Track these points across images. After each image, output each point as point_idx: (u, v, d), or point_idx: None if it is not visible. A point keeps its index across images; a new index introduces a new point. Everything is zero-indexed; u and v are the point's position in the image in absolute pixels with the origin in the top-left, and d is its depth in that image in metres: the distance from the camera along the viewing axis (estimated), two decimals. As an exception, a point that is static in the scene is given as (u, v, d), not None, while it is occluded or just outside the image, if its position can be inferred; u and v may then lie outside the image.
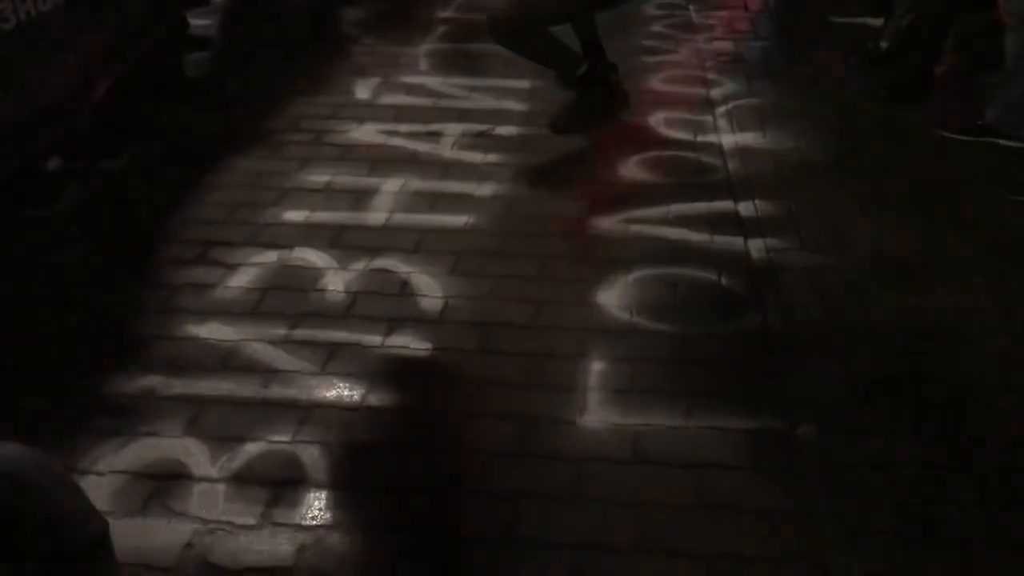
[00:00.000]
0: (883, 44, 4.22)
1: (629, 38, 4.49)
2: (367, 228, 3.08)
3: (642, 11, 4.86)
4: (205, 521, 2.02)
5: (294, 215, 3.14)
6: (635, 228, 3.06)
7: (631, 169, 3.42)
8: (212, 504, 2.06)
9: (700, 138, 3.62)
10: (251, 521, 2.02)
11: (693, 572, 1.90)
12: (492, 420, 2.27)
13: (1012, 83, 3.35)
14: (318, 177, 3.38)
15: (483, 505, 2.05)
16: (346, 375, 2.42)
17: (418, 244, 2.98)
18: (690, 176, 3.36)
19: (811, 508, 2.04)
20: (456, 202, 3.22)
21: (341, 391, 2.37)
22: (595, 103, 3.81)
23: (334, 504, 2.06)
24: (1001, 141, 3.42)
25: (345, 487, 2.10)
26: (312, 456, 2.18)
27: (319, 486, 2.10)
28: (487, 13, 3.75)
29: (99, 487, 2.08)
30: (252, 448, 2.19)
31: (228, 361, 2.47)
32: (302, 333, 2.57)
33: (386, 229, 3.07)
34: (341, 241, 3.00)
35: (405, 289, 2.77)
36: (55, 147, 3.27)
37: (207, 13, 4.70)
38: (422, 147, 3.59)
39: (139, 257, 2.92)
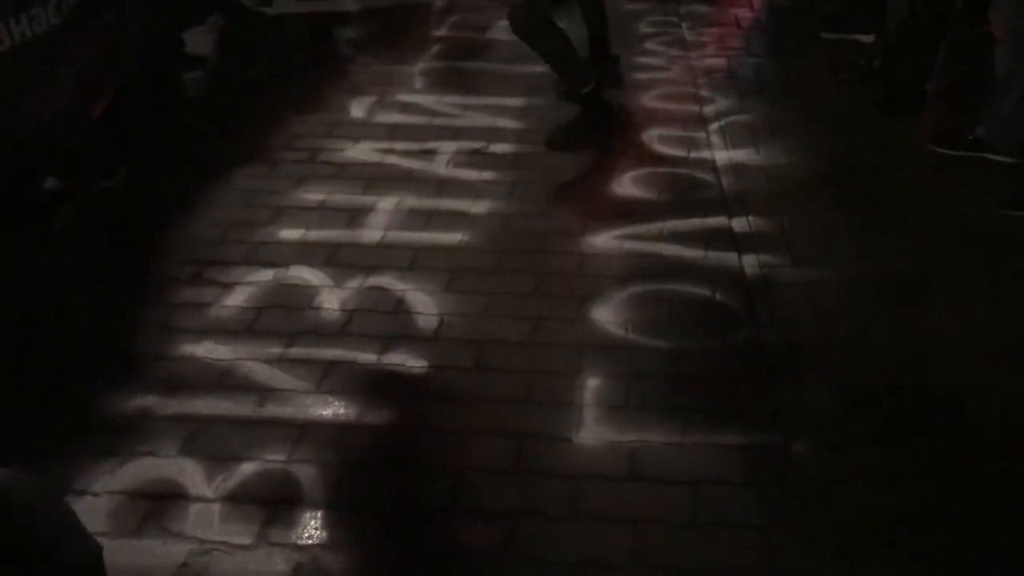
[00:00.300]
0: (874, 60, 4.25)
1: (623, 56, 4.51)
2: (362, 246, 3.08)
3: (635, 28, 4.89)
4: (201, 541, 2.01)
5: (290, 233, 3.15)
6: (630, 244, 3.07)
7: (625, 186, 3.44)
8: (208, 524, 2.05)
9: (694, 154, 3.64)
10: (247, 541, 2.01)
11: (690, 589, 1.90)
12: (488, 437, 2.28)
13: (1002, 98, 3.38)
14: (314, 195, 3.39)
15: (479, 523, 2.05)
16: (342, 393, 2.42)
17: (413, 262, 2.99)
18: (684, 192, 3.38)
19: (807, 523, 2.04)
20: (451, 219, 3.23)
21: (337, 409, 2.37)
22: (592, 124, 3.83)
23: (330, 523, 2.06)
24: (992, 156, 3.45)
25: (341, 506, 2.10)
26: (308, 475, 2.18)
27: (315, 505, 2.10)
28: (508, 9, 3.77)
29: (95, 508, 2.08)
30: (248, 467, 2.19)
31: (224, 380, 2.47)
32: (298, 351, 2.58)
33: (381, 247, 3.08)
34: (336, 259, 3.00)
35: (400, 307, 2.78)
36: (51, 166, 3.28)
37: (203, 33, 4.73)
38: (417, 165, 3.60)
39: (135, 276, 2.93)
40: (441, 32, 4.98)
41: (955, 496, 2.10)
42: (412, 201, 3.35)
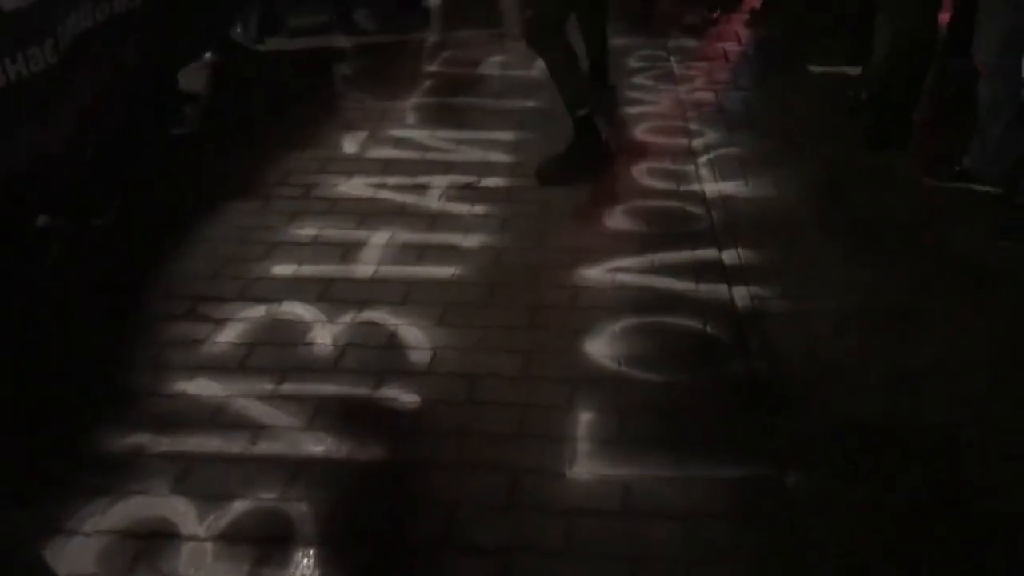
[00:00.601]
0: (862, 92, 4.30)
1: (615, 93, 4.56)
2: (355, 281, 3.09)
3: (625, 63, 4.94)
4: (193, 581, 2.00)
5: (282, 269, 3.16)
6: (621, 277, 3.09)
7: (616, 219, 3.46)
8: (200, 563, 2.04)
9: (683, 187, 3.67)
10: (239, 580, 2.00)
11: (685, 624, 1.89)
12: (481, 472, 2.27)
13: (987, 130, 3.42)
14: (307, 231, 3.40)
15: (473, 559, 2.04)
16: (334, 429, 2.41)
17: (406, 296, 3.00)
18: (674, 225, 3.40)
19: (802, 555, 2.04)
20: (443, 253, 3.24)
21: (329, 446, 2.36)
22: (582, 156, 3.87)
23: (323, 561, 2.05)
24: (979, 186, 3.48)
25: (333, 543, 2.09)
26: (300, 512, 2.16)
27: (307, 543, 2.09)
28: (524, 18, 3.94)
29: (85, 548, 2.06)
30: (240, 506, 2.18)
31: (216, 417, 2.47)
32: (290, 388, 2.57)
33: (374, 281, 3.09)
34: (329, 294, 3.01)
35: (393, 341, 2.78)
36: (44, 203, 3.29)
37: (197, 70, 4.76)
38: (409, 199, 3.63)
39: (127, 313, 2.93)
40: (433, 68, 5.04)
41: (948, 527, 2.10)
42: (405, 235, 3.36)
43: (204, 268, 3.16)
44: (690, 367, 2.64)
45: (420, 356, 2.71)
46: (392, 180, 3.78)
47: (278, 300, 2.97)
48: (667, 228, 3.38)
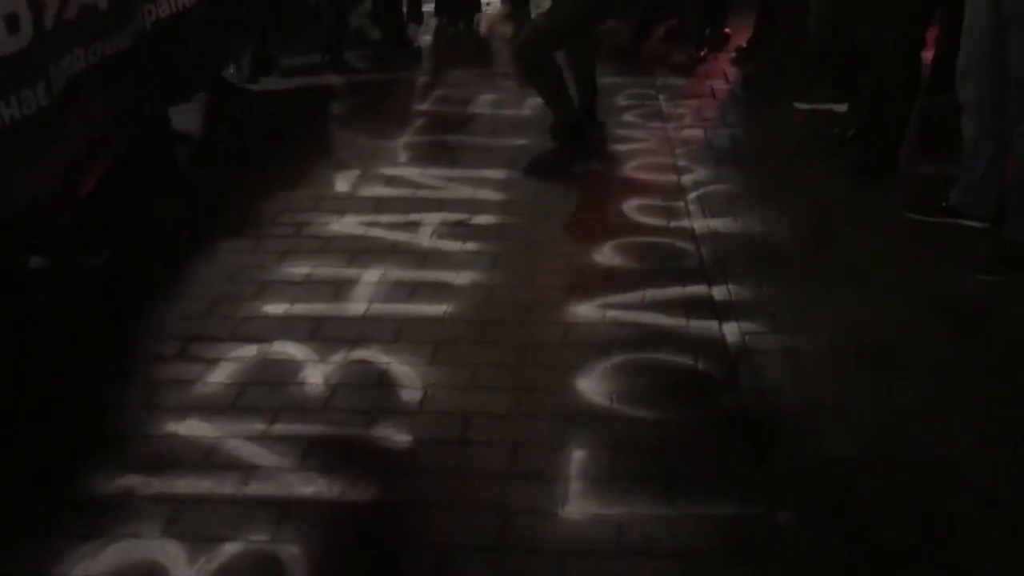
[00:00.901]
0: (848, 129, 4.36)
1: (605, 129, 4.61)
2: (346, 319, 3.10)
3: (614, 101, 5.00)
4: (183, 625, 1.98)
5: (274, 308, 3.16)
6: (612, 314, 3.10)
7: (606, 255, 3.48)
8: (190, 607, 2.02)
9: (673, 224, 3.70)
10: (230, 624, 1.98)
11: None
12: (473, 513, 2.26)
13: (971, 165, 3.46)
14: (298, 269, 3.41)
15: (465, 601, 2.03)
16: (325, 470, 2.41)
17: (397, 334, 3.01)
18: (664, 261, 3.43)
19: (794, 595, 2.04)
20: (435, 291, 3.25)
21: (320, 486, 2.35)
22: (572, 154, 4.10)
23: (314, 603, 2.03)
24: (965, 222, 3.52)
25: (325, 585, 2.08)
26: (291, 555, 2.15)
27: (299, 585, 2.08)
28: (513, 45, 4.30)
29: (75, 592, 2.05)
30: (231, 548, 2.17)
31: (208, 458, 2.46)
32: (281, 428, 2.57)
33: (365, 320, 3.10)
34: (321, 333, 3.02)
35: (384, 380, 2.78)
36: (37, 244, 3.30)
37: (190, 109, 4.80)
38: (401, 237, 3.65)
39: (119, 354, 2.92)
40: (424, 106, 5.09)
41: (941, 562, 2.10)
42: (396, 273, 3.38)
43: (196, 308, 3.16)
44: (681, 404, 2.65)
45: (411, 395, 2.71)
46: (384, 218, 3.80)
47: (270, 339, 2.97)
48: (657, 264, 3.41)
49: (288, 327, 3.04)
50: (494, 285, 3.30)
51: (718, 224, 3.67)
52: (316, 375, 2.80)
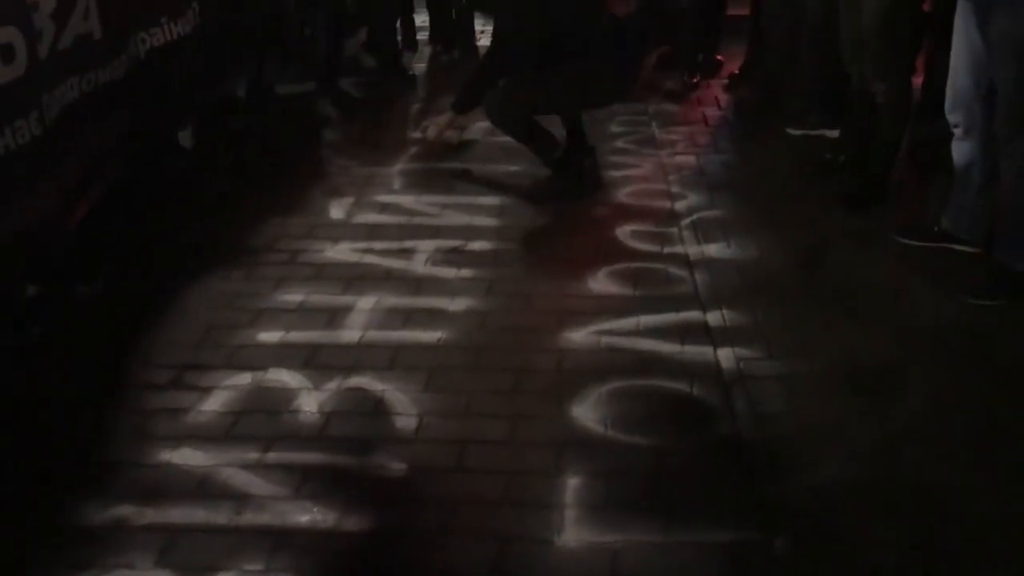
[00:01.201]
0: (840, 155, 4.39)
1: (595, 154, 4.63)
2: (341, 346, 3.10)
3: (606, 128, 5.03)
4: (176, 657, 1.96)
5: (268, 336, 3.16)
6: (607, 340, 3.10)
7: (601, 281, 3.49)
8: (183, 639, 2.01)
9: (667, 250, 3.71)
10: (223, 656, 1.97)
11: None
12: (468, 541, 2.25)
13: (962, 190, 3.48)
14: (293, 296, 3.41)
15: (461, 631, 2.02)
16: (320, 499, 2.39)
17: (392, 361, 3.00)
18: (658, 287, 3.43)
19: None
20: (430, 318, 3.26)
21: (315, 516, 2.34)
22: (565, 185, 4.19)
23: (309, 635, 2.02)
24: (958, 246, 3.54)
25: (320, 616, 2.07)
26: (286, 585, 2.14)
27: (293, 616, 2.06)
28: (486, 101, 4.29)
29: (66, 625, 2.03)
30: (224, 578, 2.16)
31: (201, 487, 2.44)
32: (275, 456, 2.56)
33: (360, 347, 3.10)
34: (315, 360, 3.01)
35: (379, 408, 2.77)
36: (31, 273, 3.30)
37: (183, 136, 4.81)
38: (396, 264, 3.65)
39: (112, 382, 2.91)
40: (418, 134, 5.10)
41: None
42: (391, 300, 3.38)
43: (190, 336, 3.16)
44: (676, 430, 2.65)
45: (406, 422, 2.70)
46: (378, 245, 3.80)
47: (264, 367, 2.96)
48: (651, 290, 3.41)
49: (282, 355, 3.04)
50: (489, 312, 3.30)
51: (712, 250, 3.68)
52: (311, 403, 2.79)
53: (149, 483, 2.46)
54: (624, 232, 3.87)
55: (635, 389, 2.84)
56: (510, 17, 4.26)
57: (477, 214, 4.08)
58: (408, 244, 3.80)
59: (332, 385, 2.87)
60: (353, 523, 2.32)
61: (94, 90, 3.33)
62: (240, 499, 2.40)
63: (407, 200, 4.24)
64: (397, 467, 2.52)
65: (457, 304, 3.34)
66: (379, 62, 6.28)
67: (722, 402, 2.77)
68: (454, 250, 3.76)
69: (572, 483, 2.44)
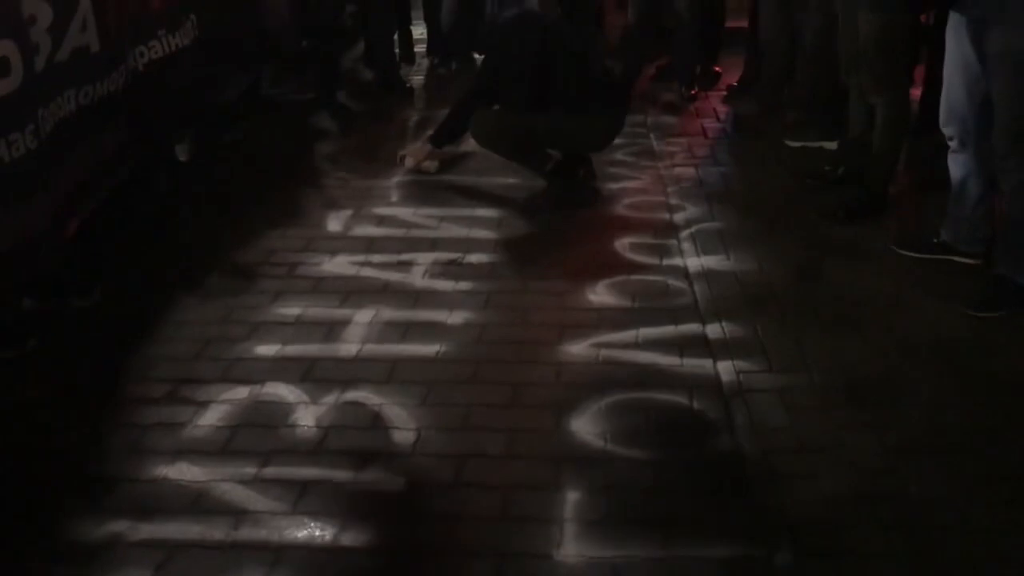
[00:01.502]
0: (839, 167, 4.39)
1: (593, 165, 4.63)
2: (339, 360, 3.08)
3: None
4: (171, 676, 1.94)
5: (266, 349, 3.14)
6: (605, 353, 3.09)
7: (599, 294, 3.48)
8: (178, 657, 1.98)
9: (666, 262, 3.70)
10: (219, 674, 1.95)
11: None
12: (466, 558, 2.23)
13: (959, 202, 3.48)
14: (290, 310, 3.40)
15: (459, 648, 2.00)
16: (317, 514, 2.37)
17: (390, 375, 2.99)
18: (657, 300, 3.42)
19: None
20: (428, 331, 3.24)
21: (312, 531, 2.32)
22: (560, 193, 4.24)
23: (305, 652, 2.00)
24: (957, 258, 3.53)
25: (317, 633, 2.04)
26: (282, 601, 2.12)
27: (290, 633, 2.04)
28: (474, 123, 4.43)
29: (60, 643, 2.01)
30: (220, 595, 2.14)
31: (197, 503, 2.42)
32: (272, 471, 2.54)
33: (358, 360, 3.08)
34: (313, 374, 2.99)
35: (377, 422, 2.76)
36: (26, 286, 3.28)
37: (180, 149, 4.81)
38: (394, 277, 3.64)
39: (107, 396, 2.89)
40: (416, 146, 5.09)
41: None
42: (389, 313, 3.36)
43: (186, 349, 3.14)
44: (676, 444, 2.63)
45: (404, 436, 2.68)
46: (376, 258, 3.79)
47: (261, 381, 2.95)
48: (650, 303, 3.40)
49: (280, 368, 3.02)
50: (487, 324, 3.29)
51: (711, 262, 3.67)
52: (308, 417, 2.77)
53: (145, 498, 2.44)
54: (623, 244, 3.86)
55: (634, 402, 2.82)
56: (509, 59, 4.29)
57: (475, 226, 4.07)
58: (406, 257, 3.79)
59: (330, 399, 2.86)
60: (351, 538, 2.30)
61: (91, 103, 3.32)
62: (237, 514, 2.38)
63: (405, 213, 4.23)
64: (395, 482, 2.50)
65: (455, 317, 3.33)
66: (377, 74, 6.29)
67: (722, 415, 2.75)
68: (452, 263, 3.75)
69: (571, 497, 2.42)
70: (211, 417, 2.77)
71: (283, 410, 2.81)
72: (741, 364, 2.98)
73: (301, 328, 3.27)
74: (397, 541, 2.31)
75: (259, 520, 2.36)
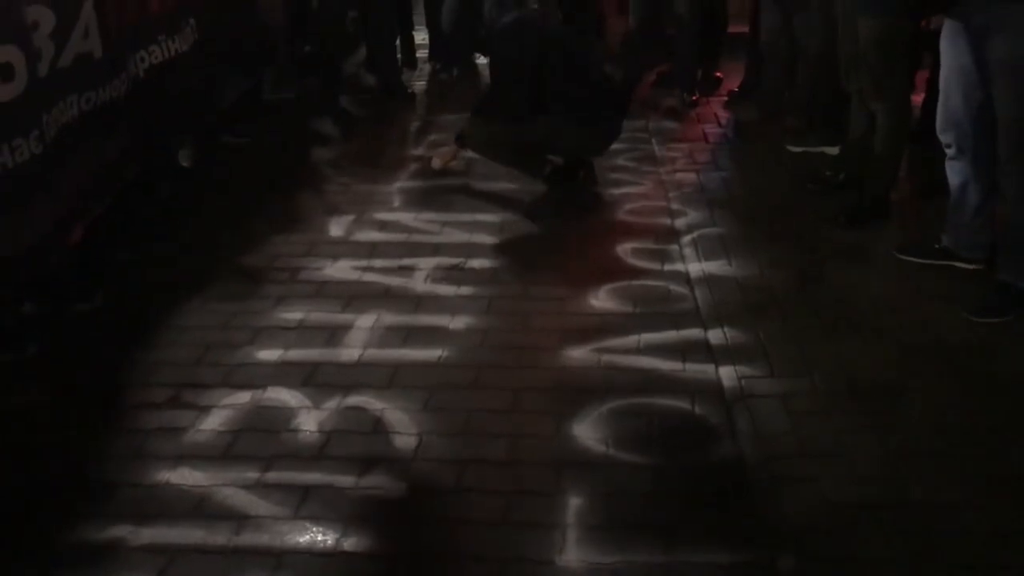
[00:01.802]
0: (840, 172, 4.39)
1: (592, 166, 4.64)
2: (341, 365, 3.08)
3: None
4: None
5: (268, 354, 3.14)
6: (607, 358, 3.09)
7: (601, 299, 3.48)
8: (180, 662, 1.98)
9: (667, 267, 3.70)
10: None
11: None
12: (468, 563, 2.23)
13: (960, 208, 3.48)
14: (292, 314, 3.40)
15: (461, 653, 2.00)
16: (319, 519, 2.38)
17: (391, 379, 2.99)
18: (659, 305, 3.42)
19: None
20: (429, 336, 3.24)
21: (314, 536, 2.32)
22: (562, 198, 4.29)
23: (307, 657, 2.00)
24: (959, 263, 3.53)
25: (318, 638, 2.04)
26: (284, 606, 2.12)
27: (292, 638, 2.04)
28: (457, 132, 4.52)
29: (62, 648, 2.01)
30: (222, 600, 2.14)
31: (199, 507, 2.43)
32: (274, 476, 2.54)
33: (360, 365, 3.08)
34: (314, 379, 2.99)
35: (379, 427, 2.76)
36: (28, 290, 3.29)
37: (182, 154, 4.82)
38: (395, 282, 3.64)
39: (110, 401, 2.90)
40: (418, 152, 5.11)
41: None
42: (390, 318, 3.36)
43: (188, 354, 3.14)
44: (678, 449, 2.63)
45: (406, 442, 2.68)
46: (378, 263, 3.80)
47: (263, 386, 2.95)
48: (652, 308, 3.40)
49: (282, 373, 3.02)
50: (488, 329, 3.29)
51: (712, 267, 3.67)
52: (310, 422, 2.77)
53: (147, 503, 2.44)
54: (624, 249, 3.86)
55: (636, 407, 2.82)
56: (508, 63, 4.34)
57: (477, 232, 4.07)
58: (408, 262, 3.80)
59: (332, 404, 2.86)
60: (353, 543, 2.30)
61: (94, 108, 3.33)
62: (239, 519, 2.38)
63: (407, 218, 4.24)
64: (397, 487, 2.50)
65: (457, 322, 3.33)
66: (379, 80, 6.30)
67: (723, 420, 2.75)
68: (454, 268, 3.75)
69: (573, 503, 2.42)
70: (213, 422, 2.78)
71: (285, 415, 2.81)
72: (743, 369, 2.98)
73: (303, 333, 3.28)
74: (399, 546, 2.31)
75: (261, 525, 2.36)
